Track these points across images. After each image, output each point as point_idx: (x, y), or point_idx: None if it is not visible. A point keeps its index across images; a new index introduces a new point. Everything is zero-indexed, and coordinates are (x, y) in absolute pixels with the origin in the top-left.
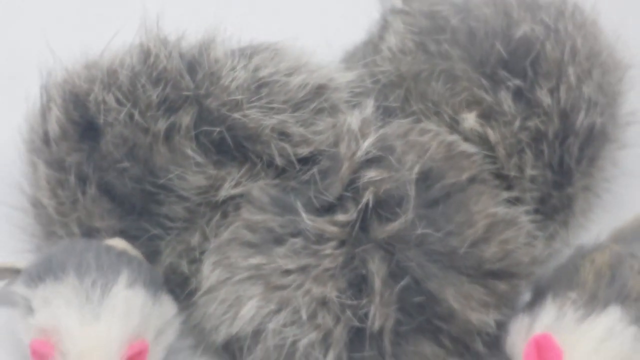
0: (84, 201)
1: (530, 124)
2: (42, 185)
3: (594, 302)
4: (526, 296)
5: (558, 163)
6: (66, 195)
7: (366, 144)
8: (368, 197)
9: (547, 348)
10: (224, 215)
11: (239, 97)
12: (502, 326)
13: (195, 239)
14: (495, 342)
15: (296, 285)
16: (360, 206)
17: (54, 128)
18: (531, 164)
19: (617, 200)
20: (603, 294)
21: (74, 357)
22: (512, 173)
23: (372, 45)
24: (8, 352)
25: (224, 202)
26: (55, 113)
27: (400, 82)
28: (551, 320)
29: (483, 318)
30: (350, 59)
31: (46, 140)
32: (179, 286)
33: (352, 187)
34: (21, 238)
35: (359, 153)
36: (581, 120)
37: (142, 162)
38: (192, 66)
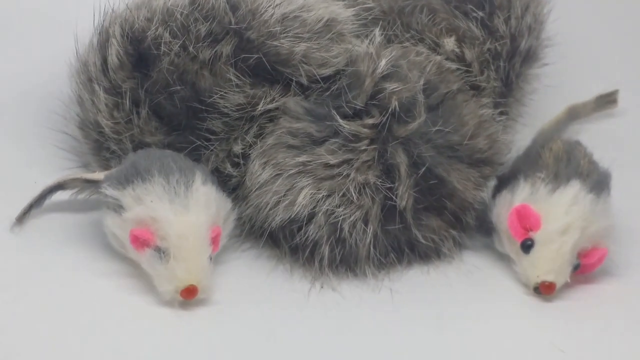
0: (137, 120)
1: (492, 46)
2: (101, 108)
3: (558, 179)
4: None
5: (506, 77)
6: (121, 116)
7: (383, 63)
8: (394, 103)
9: (527, 215)
10: (261, 126)
11: (275, 29)
12: (485, 203)
13: (237, 146)
14: (479, 215)
15: (342, 174)
16: (387, 111)
17: (113, 60)
18: (493, 77)
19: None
20: (564, 172)
21: (174, 240)
22: (483, 84)
23: None
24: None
25: (260, 115)
26: (115, 47)
27: (385, 16)
28: (527, 195)
29: (477, 195)
30: None
31: (105, 69)
32: (222, 185)
33: (375, 97)
34: (67, 157)
35: (378, 70)
36: (524, 43)
37: (190, 85)
38: (234, 5)
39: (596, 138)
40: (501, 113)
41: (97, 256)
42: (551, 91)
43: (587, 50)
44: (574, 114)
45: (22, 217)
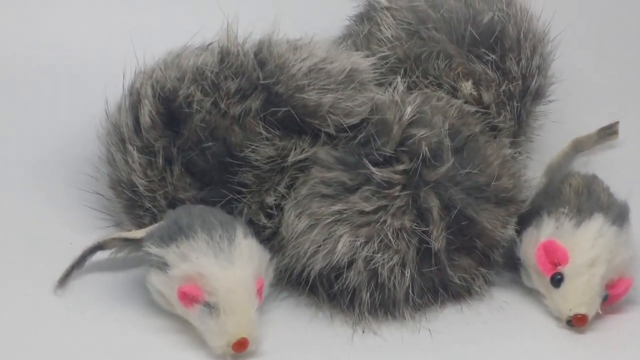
0: (170, 178)
1: (506, 87)
2: (134, 168)
3: (581, 213)
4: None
5: (518, 116)
6: (155, 174)
7: (409, 110)
8: (424, 149)
9: (554, 250)
10: (292, 177)
11: (303, 82)
12: (512, 240)
13: (270, 198)
14: (507, 253)
15: (380, 221)
16: (418, 157)
17: (145, 120)
18: (509, 117)
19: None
20: (586, 206)
21: (222, 294)
22: (501, 125)
23: (364, 37)
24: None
25: (291, 166)
26: (147, 107)
27: (401, 63)
28: (552, 230)
29: (504, 233)
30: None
31: (137, 130)
32: (256, 236)
33: (405, 143)
34: (100, 217)
35: (405, 117)
36: (534, 82)
37: (221, 141)
38: (261, 61)
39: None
40: (514, 148)
41: (143, 313)
42: (553, 126)
43: (587, 85)
44: (579, 147)
45: (64, 279)
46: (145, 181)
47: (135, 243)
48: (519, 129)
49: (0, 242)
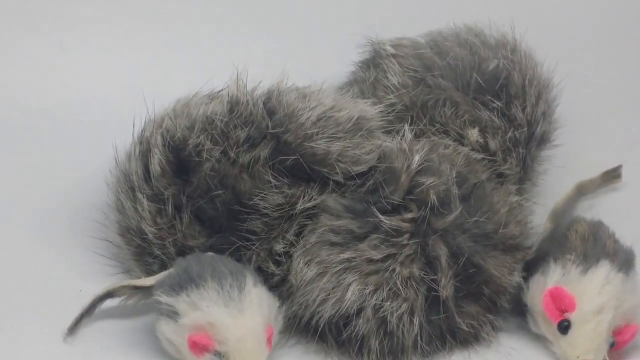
0: (179, 225)
1: (512, 134)
2: (144, 216)
3: (588, 260)
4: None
5: (523, 162)
6: (164, 222)
7: (416, 158)
8: (432, 197)
9: (561, 297)
10: (300, 224)
11: (312, 130)
12: (519, 287)
13: (279, 245)
14: (514, 299)
15: (389, 269)
16: (426, 205)
17: (155, 168)
18: (515, 164)
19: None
20: (592, 253)
21: (233, 343)
22: (507, 171)
23: (371, 84)
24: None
25: (299, 214)
26: (157, 156)
27: (408, 111)
28: (559, 277)
29: (511, 280)
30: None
31: (147, 178)
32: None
33: (413, 192)
34: (109, 263)
35: (413, 165)
36: (539, 129)
37: (231, 189)
38: (270, 110)
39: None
40: (520, 194)
41: None
42: (558, 170)
43: (590, 129)
44: (583, 190)
45: (74, 327)
46: (155, 229)
47: (145, 290)
48: (525, 175)
49: (10, 289)
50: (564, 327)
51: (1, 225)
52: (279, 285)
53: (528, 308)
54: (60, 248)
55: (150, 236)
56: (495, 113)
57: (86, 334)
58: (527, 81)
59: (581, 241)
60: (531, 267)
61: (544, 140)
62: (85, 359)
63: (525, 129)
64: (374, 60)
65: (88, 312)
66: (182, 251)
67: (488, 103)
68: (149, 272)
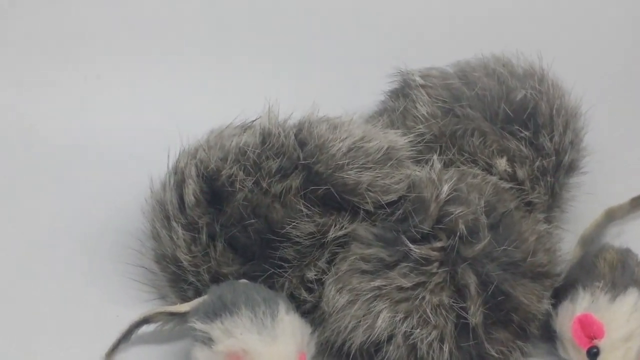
0: (213, 253)
1: (540, 163)
2: (179, 244)
3: (616, 287)
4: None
5: (551, 190)
6: (199, 250)
7: (445, 188)
8: (461, 227)
9: (590, 324)
10: (332, 252)
11: (343, 161)
12: (548, 313)
13: (311, 272)
14: (544, 325)
15: (419, 297)
16: (455, 234)
17: (189, 198)
18: (543, 192)
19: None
20: (620, 281)
21: None
22: (535, 200)
23: (400, 114)
24: None
25: (331, 242)
26: (192, 186)
27: (437, 140)
28: (588, 304)
29: (540, 307)
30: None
31: (182, 207)
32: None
33: (442, 221)
34: (145, 290)
35: (442, 195)
36: (567, 157)
37: (263, 218)
38: (301, 141)
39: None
40: (548, 222)
41: None
42: (586, 197)
43: (619, 156)
44: (612, 216)
45: (112, 352)
46: (189, 256)
47: (180, 317)
48: (553, 202)
49: (48, 315)
50: (593, 354)
51: (40, 252)
52: (311, 311)
53: (557, 334)
54: (97, 274)
55: (185, 264)
56: (523, 143)
57: (123, 359)
58: (554, 111)
59: (609, 269)
60: (560, 294)
61: (572, 168)
62: None
63: (554, 157)
64: (403, 90)
65: (125, 338)
66: (216, 278)
67: (516, 133)
68: (184, 299)
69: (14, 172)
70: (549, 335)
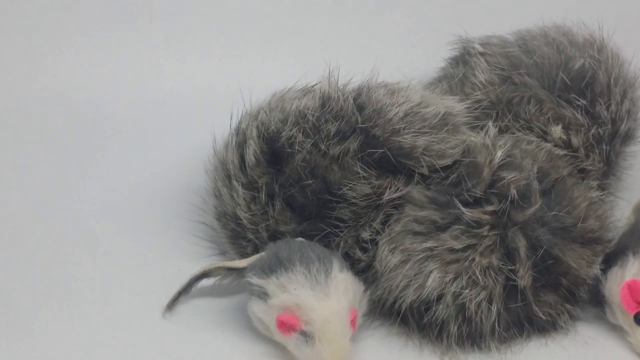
0: (272, 212)
1: (595, 131)
2: (239, 202)
3: None
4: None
5: (607, 158)
6: (258, 208)
7: (499, 153)
8: (513, 191)
9: (638, 289)
10: (386, 214)
11: (399, 126)
12: (597, 278)
13: (366, 233)
14: (592, 289)
15: (467, 258)
16: (507, 198)
17: (250, 158)
18: (597, 159)
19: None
20: None
21: (318, 324)
22: (589, 167)
23: (459, 80)
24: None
25: (386, 204)
26: (252, 147)
27: (494, 107)
28: (637, 270)
29: (590, 272)
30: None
31: (243, 167)
32: (351, 268)
33: (494, 185)
34: (206, 245)
35: (495, 160)
36: (624, 126)
37: (321, 179)
38: (360, 105)
39: None
40: (602, 189)
41: (244, 338)
42: None
43: None
44: None
45: (172, 304)
46: (249, 215)
47: (238, 272)
48: (608, 170)
49: (114, 267)
50: None
51: (110, 208)
52: (364, 270)
53: (606, 299)
54: (161, 230)
55: (245, 221)
56: (579, 111)
57: (183, 310)
58: (612, 80)
59: None
60: (610, 260)
61: (628, 137)
62: (181, 334)
63: (609, 126)
64: (463, 58)
65: (185, 290)
66: (274, 236)
67: (573, 101)
68: (243, 255)
69: (84, 131)
70: (597, 299)
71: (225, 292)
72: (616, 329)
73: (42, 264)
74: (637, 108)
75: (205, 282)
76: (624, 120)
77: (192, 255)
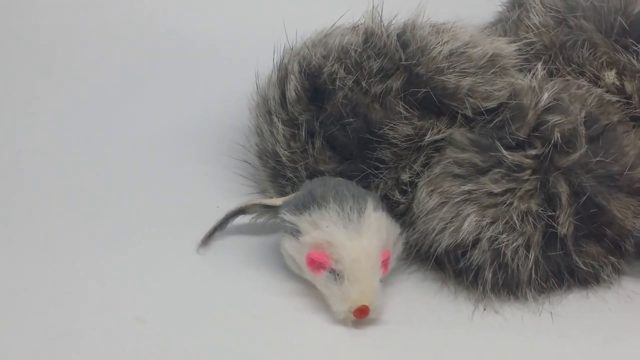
0: (311, 150)
1: None
2: (279, 139)
3: None
4: None
5: None
6: (297, 146)
7: (545, 96)
8: (557, 135)
9: None
10: (427, 156)
11: (443, 64)
12: None
13: (406, 175)
14: (638, 242)
15: (506, 203)
16: (550, 142)
17: (291, 94)
18: None
19: None
20: None
21: (348, 263)
22: None
23: (513, 23)
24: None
25: (427, 146)
26: (293, 82)
27: (546, 50)
28: None
29: (635, 223)
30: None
31: (283, 103)
32: (390, 211)
33: (538, 129)
34: (247, 183)
35: (541, 104)
36: None
37: (362, 118)
38: (404, 42)
39: None
40: None
41: (275, 276)
42: None
43: None
44: None
45: (207, 239)
46: (288, 152)
47: (275, 210)
48: None
49: (156, 202)
50: None
51: (154, 143)
52: (404, 213)
53: None
54: (203, 166)
55: (284, 159)
56: (636, 56)
57: (217, 246)
58: None
59: None
60: None
61: None
62: (212, 270)
63: None
64: (520, 1)
65: (221, 227)
66: (314, 175)
67: (629, 46)
68: (282, 194)
69: (129, 65)
70: None
71: (261, 231)
72: None
73: (82, 195)
74: None
75: (242, 220)
76: None
77: (232, 193)
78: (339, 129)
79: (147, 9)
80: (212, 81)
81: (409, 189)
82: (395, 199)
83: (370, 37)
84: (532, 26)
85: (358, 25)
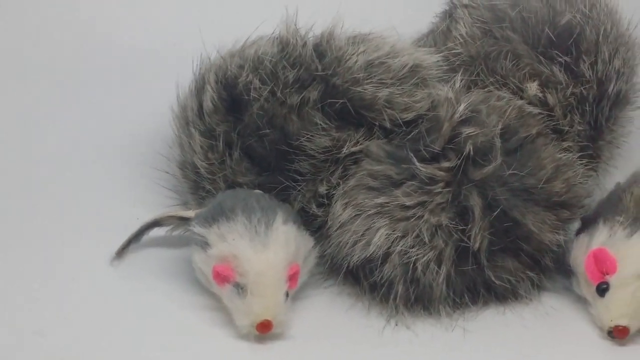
0: (229, 162)
1: (576, 90)
2: (196, 150)
3: (636, 223)
4: (577, 223)
5: (594, 121)
6: (215, 157)
7: (461, 108)
8: (469, 147)
9: (603, 259)
10: (345, 168)
11: (359, 75)
12: (563, 246)
13: (323, 187)
14: (558, 258)
15: (416, 216)
16: (462, 155)
17: (207, 104)
18: (578, 120)
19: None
20: None
21: (252, 276)
22: (566, 128)
23: (442, 33)
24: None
25: (345, 158)
26: (210, 92)
27: (472, 61)
28: (605, 238)
29: (553, 238)
30: (421, 45)
31: (201, 113)
32: (307, 224)
33: (453, 141)
34: (169, 195)
35: (456, 115)
36: (612, 87)
37: (279, 129)
38: (320, 53)
39: None
40: (591, 156)
41: (187, 289)
42: None
43: None
44: None
45: (122, 251)
46: (206, 164)
47: (189, 222)
48: (597, 134)
49: (75, 211)
50: (602, 289)
51: (74, 155)
52: (322, 227)
53: (571, 268)
54: (126, 179)
55: (202, 170)
56: (559, 68)
57: (132, 259)
58: (600, 37)
59: (634, 204)
60: (583, 228)
61: (621, 101)
62: (123, 282)
63: (595, 86)
64: (451, 11)
65: (136, 238)
66: (232, 187)
67: (554, 57)
68: (202, 206)
69: (54, 72)
70: (565, 269)
71: (178, 243)
72: (582, 301)
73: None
74: (630, 69)
75: (158, 232)
76: (613, 81)
77: (154, 204)
78: (256, 140)
79: (72, 15)
80: (137, 91)
81: (327, 202)
82: (312, 212)
83: (285, 47)
84: (459, 37)
85: (275, 36)
